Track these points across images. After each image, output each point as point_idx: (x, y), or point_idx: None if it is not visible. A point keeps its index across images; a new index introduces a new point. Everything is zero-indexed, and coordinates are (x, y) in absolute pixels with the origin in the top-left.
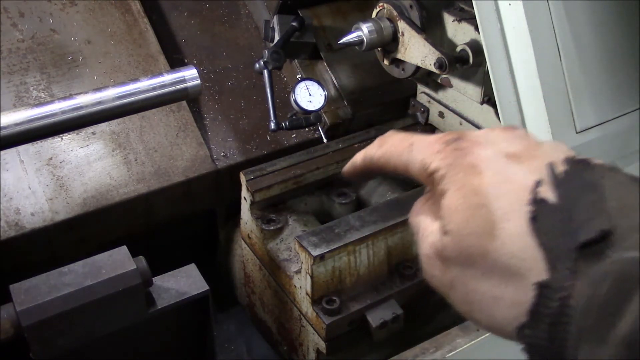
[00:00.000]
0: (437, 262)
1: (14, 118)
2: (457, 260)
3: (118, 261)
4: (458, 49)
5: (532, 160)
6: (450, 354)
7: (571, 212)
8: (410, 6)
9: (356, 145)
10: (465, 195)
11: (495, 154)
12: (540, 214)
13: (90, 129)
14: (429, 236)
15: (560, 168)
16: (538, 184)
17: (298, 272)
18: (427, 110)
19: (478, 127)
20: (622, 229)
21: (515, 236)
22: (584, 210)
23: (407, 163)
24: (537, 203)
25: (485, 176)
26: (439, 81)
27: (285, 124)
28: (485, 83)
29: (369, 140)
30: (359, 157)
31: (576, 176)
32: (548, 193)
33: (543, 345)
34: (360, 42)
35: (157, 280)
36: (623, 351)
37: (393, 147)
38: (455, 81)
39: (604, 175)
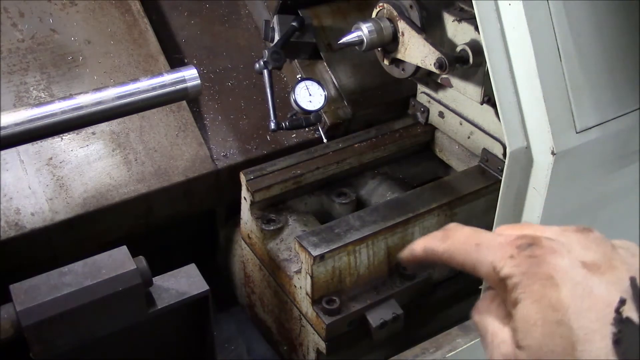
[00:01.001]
0: None
1: (14, 118)
2: None
3: (118, 261)
4: (458, 49)
5: (612, 271)
6: (450, 354)
7: None
8: (410, 6)
9: (356, 146)
10: (543, 309)
11: (572, 263)
12: (625, 336)
13: (90, 129)
14: (500, 345)
15: None
16: (622, 302)
17: (298, 272)
18: (427, 110)
19: (478, 127)
20: None
21: (596, 352)
22: None
23: (476, 263)
24: (621, 323)
25: (564, 289)
26: (439, 81)
27: (285, 124)
28: (485, 83)
29: (369, 140)
30: (418, 247)
31: None
32: (632, 312)
33: None
34: (360, 42)
35: (157, 280)
36: None
37: (459, 243)
38: (455, 81)
39: None
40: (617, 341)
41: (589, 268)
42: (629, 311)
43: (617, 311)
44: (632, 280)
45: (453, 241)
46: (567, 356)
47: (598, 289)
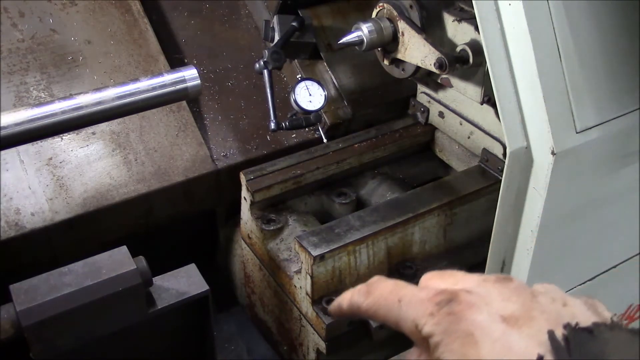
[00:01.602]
0: None
1: (14, 118)
2: None
3: (118, 261)
4: (458, 49)
5: (531, 323)
6: None
7: None
8: (410, 6)
9: (356, 146)
10: None
11: (490, 318)
12: None
13: (90, 129)
14: None
15: (560, 336)
16: (542, 357)
17: (298, 272)
18: (427, 110)
19: (478, 127)
20: None
21: None
22: None
23: (398, 319)
24: None
25: (484, 347)
26: (439, 81)
27: (285, 124)
28: (485, 83)
29: (369, 140)
30: (344, 302)
31: (579, 347)
32: None
33: None
34: (360, 42)
35: (157, 280)
36: None
37: (381, 298)
38: (455, 81)
39: (607, 342)
40: None
41: (507, 322)
42: None
43: None
44: (550, 333)
45: (375, 297)
46: None
47: (517, 345)
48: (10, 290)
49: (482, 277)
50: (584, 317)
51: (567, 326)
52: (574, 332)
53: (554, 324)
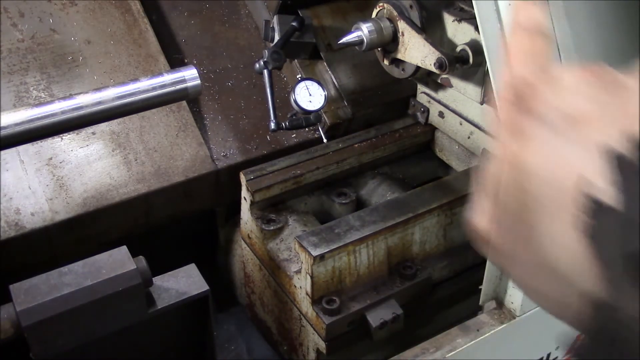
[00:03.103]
0: (484, 245)
1: (14, 118)
2: (502, 247)
3: (118, 261)
4: (458, 49)
5: (594, 128)
6: (450, 354)
7: (628, 215)
8: (410, 6)
9: (356, 146)
10: (509, 169)
11: (553, 115)
12: (592, 221)
13: (90, 129)
14: (475, 215)
15: (624, 149)
16: (590, 181)
17: (298, 272)
18: (427, 110)
19: (478, 127)
20: None
21: (560, 238)
22: None
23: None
24: (589, 207)
25: (531, 149)
26: (439, 81)
27: (285, 124)
28: (485, 83)
29: (369, 140)
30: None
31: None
32: (604, 192)
33: None
34: (360, 42)
35: (157, 280)
36: None
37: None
38: (455, 81)
39: None
40: (584, 229)
41: (568, 121)
42: (599, 190)
43: (584, 190)
44: (610, 151)
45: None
46: (527, 225)
47: (568, 152)
48: (10, 290)
49: (578, 68)
50: None
51: (630, 137)
52: (635, 144)
53: (625, 133)
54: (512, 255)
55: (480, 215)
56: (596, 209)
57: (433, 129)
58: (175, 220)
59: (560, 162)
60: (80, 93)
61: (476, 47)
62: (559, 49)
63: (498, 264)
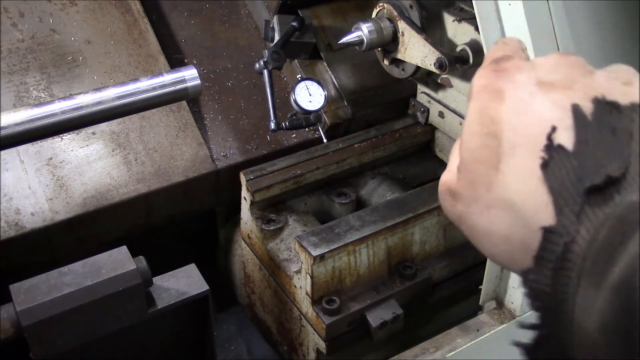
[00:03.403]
0: (447, 197)
1: (14, 118)
2: (464, 194)
3: (118, 261)
4: (458, 49)
5: (564, 92)
6: (450, 354)
7: (585, 158)
8: (410, 6)
9: (356, 146)
10: (482, 122)
11: (528, 80)
12: (552, 160)
13: (90, 129)
14: (445, 173)
15: (587, 109)
16: (555, 127)
17: (298, 272)
18: (427, 110)
19: None
20: (634, 173)
21: (522, 174)
22: (598, 155)
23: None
24: (551, 147)
25: (506, 104)
26: (439, 81)
27: (285, 124)
28: None
29: (369, 140)
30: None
31: (599, 120)
32: (565, 137)
33: (545, 292)
34: (360, 42)
35: (157, 280)
36: (615, 296)
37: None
38: (455, 81)
39: (633, 119)
40: (545, 164)
41: (541, 86)
42: (562, 137)
43: (548, 138)
44: (575, 107)
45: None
46: (492, 169)
47: (538, 108)
48: (10, 290)
49: (554, 54)
50: (628, 97)
51: (595, 99)
52: (600, 104)
53: (588, 98)
54: (472, 198)
55: (449, 173)
56: (553, 148)
57: (433, 129)
58: (175, 220)
59: (532, 113)
60: (80, 93)
61: (476, 47)
62: (559, 49)
63: (456, 214)
